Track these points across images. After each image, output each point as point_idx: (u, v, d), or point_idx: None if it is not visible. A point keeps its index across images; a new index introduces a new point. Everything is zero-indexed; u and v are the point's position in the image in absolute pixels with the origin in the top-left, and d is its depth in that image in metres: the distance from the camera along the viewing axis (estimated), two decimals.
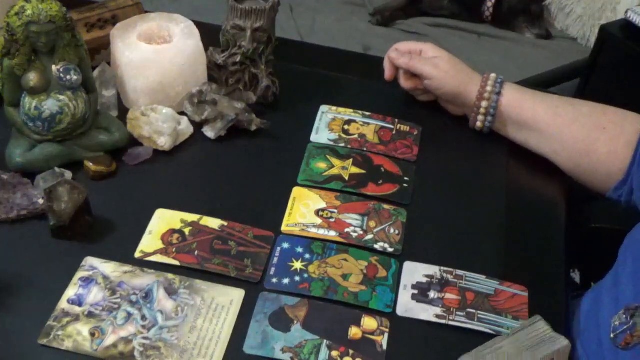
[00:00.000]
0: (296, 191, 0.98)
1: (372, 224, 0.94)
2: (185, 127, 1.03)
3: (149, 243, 0.89)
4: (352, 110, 1.10)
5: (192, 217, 0.93)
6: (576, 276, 1.19)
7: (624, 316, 0.81)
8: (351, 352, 0.80)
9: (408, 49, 1.10)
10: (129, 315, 0.82)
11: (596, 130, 0.98)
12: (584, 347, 0.86)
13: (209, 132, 1.03)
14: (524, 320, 0.80)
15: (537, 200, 1.03)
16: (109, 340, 0.79)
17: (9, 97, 0.94)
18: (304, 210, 0.95)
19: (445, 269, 0.89)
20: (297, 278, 0.87)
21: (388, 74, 1.11)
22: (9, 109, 0.95)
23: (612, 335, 0.81)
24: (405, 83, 1.10)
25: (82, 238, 0.89)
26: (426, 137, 1.08)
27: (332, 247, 0.91)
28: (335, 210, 0.95)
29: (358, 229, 0.93)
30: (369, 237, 0.92)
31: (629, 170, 0.95)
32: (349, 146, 1.05)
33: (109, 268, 0.86)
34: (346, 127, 1.08)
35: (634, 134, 0.95)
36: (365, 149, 1.05)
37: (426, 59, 1.07)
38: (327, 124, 1.08)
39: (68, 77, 0.92)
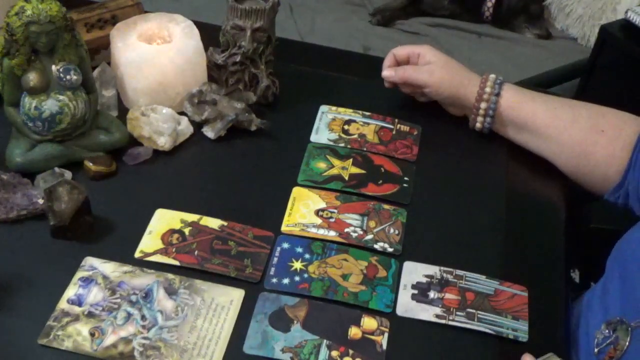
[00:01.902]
0: (296, 191, 0.98)
1: (372, 224, 0.94)
2: (185, 127, 1.03)
3: (149, 243, 0.89)
4: (352, 110, 1.10)
5: (192, 217, 0.93)
6: (576, 276, 1.19)
7: (607, 330, 0.80)
8: (351, 352, 0.80)
9: (406, 53, 1.09)
10: (129, 315, 0.82)
11: (595, 133, 0.97)
12: (577, 355, 0.86)
13: (209, 132, 1.03)
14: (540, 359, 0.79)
15: (537, 200, 1.02)
16: (109, 340, 0.79)
17: (9, 97, 0.94)
18: (304, 210, 0.95)
19: (445, 269, 0.89)
20: (297, 278, 0.87)
21: (387, 85, 1.11)
22: (9, 109, 0.95)
23: (595, 351, 0.81)
24: (404, 89, 1.10)
25: (82, 238, 0.89)
26: (426, 137, 1.08)
27: (332, 247, 0.91)
28: (335, 210, 0.95)
29: (358, 229, 0.93)
30: (369, 237, 0.92)
31: (626, 173, 0.95)
32: (349, 146, 1.05)
33: (108, 268, 0.86)
34: (346, 127, 1.08)
35: (632, 136, 0.95)
36: (365, 149, 1.05)
37: (420, 68, 1.06)
38: (327, 124, 1.08)
39: (68, 77, 0.92)
